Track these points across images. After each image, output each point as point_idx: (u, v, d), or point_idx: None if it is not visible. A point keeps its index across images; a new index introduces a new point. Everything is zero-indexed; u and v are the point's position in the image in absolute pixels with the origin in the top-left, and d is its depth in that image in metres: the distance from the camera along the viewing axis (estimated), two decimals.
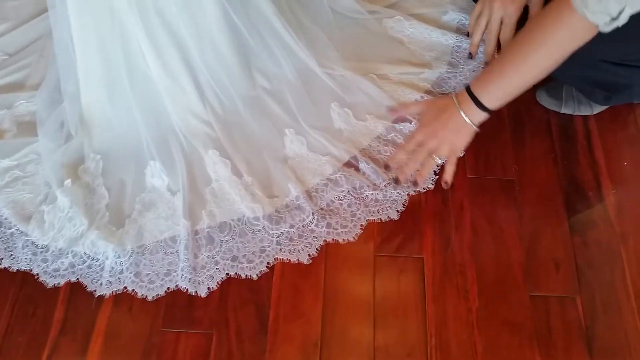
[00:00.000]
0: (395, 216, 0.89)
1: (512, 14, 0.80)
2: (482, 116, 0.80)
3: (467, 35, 1.07)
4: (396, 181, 0.87)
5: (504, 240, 0.88)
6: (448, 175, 0.86)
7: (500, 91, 0.77)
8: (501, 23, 0.92)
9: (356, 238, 0.87)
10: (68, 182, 0.88)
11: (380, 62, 1.03)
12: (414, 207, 0.90)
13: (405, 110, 0.90)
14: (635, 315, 0.81)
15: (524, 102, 1.00)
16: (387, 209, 0.90)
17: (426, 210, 0.90)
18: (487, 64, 0.99)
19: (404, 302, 0.82)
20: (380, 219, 0.89)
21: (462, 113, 0.79)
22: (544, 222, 0.90)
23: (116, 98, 0.92)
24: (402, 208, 0.90)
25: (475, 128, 0.81)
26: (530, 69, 0.75)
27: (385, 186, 0.91)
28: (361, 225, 0.89)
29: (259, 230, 0.88)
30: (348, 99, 1.00)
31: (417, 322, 0.81)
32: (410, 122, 0.97)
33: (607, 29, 0.67)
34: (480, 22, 0.84)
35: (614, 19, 0.65)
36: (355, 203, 0.90)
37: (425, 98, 1.00)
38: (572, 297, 0.83)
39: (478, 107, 0.78)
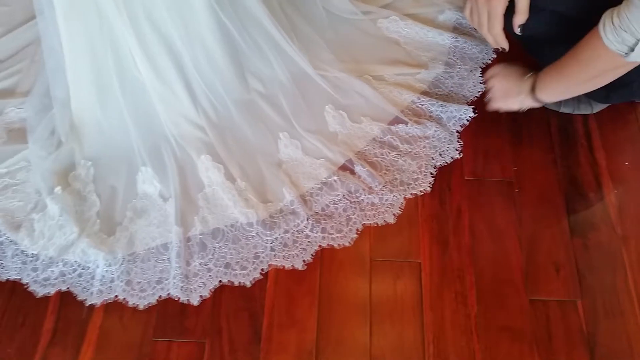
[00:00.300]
0: (391, 220, 0.87)
1: (497, 6, 0.79)
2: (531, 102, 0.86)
3: (465, 34, 1.05)
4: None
5: (503, 244, 0.86)
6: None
7: (551, 94, 0.83)
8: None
9: (352, 243, 0.85)
10: (58, 189, 0.86)
11: (376, 63, 1.01)
12: (411, 211, 0.89)
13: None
14: (638, 319, 0.79)
15: None
16: (383, 213, 0.88)
17: (423, 214, 0.88)
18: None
19: (401, 309, 0.80)
20: (377, 223, 0.87)
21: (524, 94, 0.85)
22: (543, 224, 0.88)
23: (107, 103, 0.90)
24: (398, 212, 0.88)
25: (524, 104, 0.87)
26: (575, 86, 0.79)
27: (381, 190, 0.89)
28: (357, 229, 0.87)
29: (253, 236, 0.86)
30: (343, 101, 0.98)
31: (415, 329, 0.79)
32: (407, 123, 0.96)
33: (630, 59, 0.67)
34: (474, 18, 0.84)
35: (631, 50, 0.65)
36: (351, 207, 0.88)
37: (422, 99, 0.98)
38: (573, 301, 0.81)
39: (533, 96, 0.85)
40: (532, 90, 0.84)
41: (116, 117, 0.91)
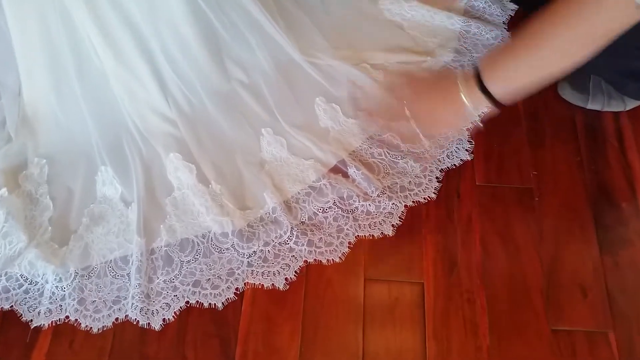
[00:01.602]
0: (390, 232, 0.75)
1: None
2: (483, 104, 0.60)
3: (478, 18, 0.93)
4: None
5: (520, 262, 0.73)
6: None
7: (509, 78, 0.58)
8: None
9: (343, 258, 0.73)
10: (4, 191, 0.75)
11: (375, 49, 0.89)
12: (413, 222, 0.76)
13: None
14: None
15: (543, 96, 0.85)
16: (380, 223, 0.76)
17: (427, 225, 0.76)
18: None
19: (399, 338, 0.68)
20: (372, 235, 0.75)
21: (462, 93, 0.59)
22: (567, 238, 0.75)
23: (64, 93, 0.78)
24: (398, 222, 0.76)
25: (475, 115, 0.61)
26: (549, 54, 0.56)
27: (378, 196, 0.77)
28: (349, 242, 0.75)
29: (227, 249, 0.74)
30: (336, 93, 0.86)
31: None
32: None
33: None
34: None
35: None
36: (343, 216, 0.76)
37: None
38: (604, 332, 0.68)
39: (483, 93, 0.58)
40: (473, 82, 0.58)
41: (74, 109, 0.79)
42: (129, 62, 0.77)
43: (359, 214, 0.76)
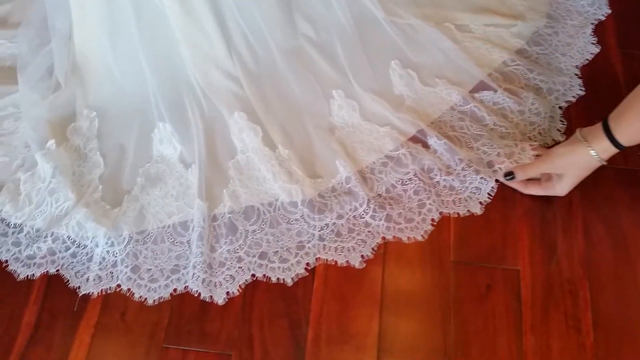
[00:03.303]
0: (478, 210, 0.67)
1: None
2: (609, 151, 0.62)
3: None
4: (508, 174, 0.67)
5: (628, 252, 0.65)
6: (518, 172, 0.66)
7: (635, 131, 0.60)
8: None
9: (425, 237, 0.66)
10: (51, 143, 0.68)
11: (461, 9, 0.80)
12: (506, 201, 0.67)
13: (523, 173, 0.67)
14: None
15: None
16: (467, 200, 0.67)
17: (522, 206, 0.67)
18: None
19: (492, 330, 0.60)
20: (458, 213, 0.67)
21: (592, 152, 0.62)
22: None
23: (120, 40, 0.71)
24: (487, 199, 0.68)
25: (604, 163, 0.63)
26: None
27: (463, 169, 0.69)
28: (432, 219, 0.67)
29: (297, 220, 0.66)
30: (413, 58, 0.77)
31: (511, 357, 0.59)
32: (495, 90, 0.75)
33: None
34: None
35: None
36: (425, 190, 0.68)
37: (517, 62, 0.77)
38: None
39: (612, 144, 0.61)
40: (603, 137, 0.60)
41: (130, 58, 0.71)
42: (195, 11, 0.69)
43: (441, 189, 0.68)
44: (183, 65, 0.73)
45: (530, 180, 0.68)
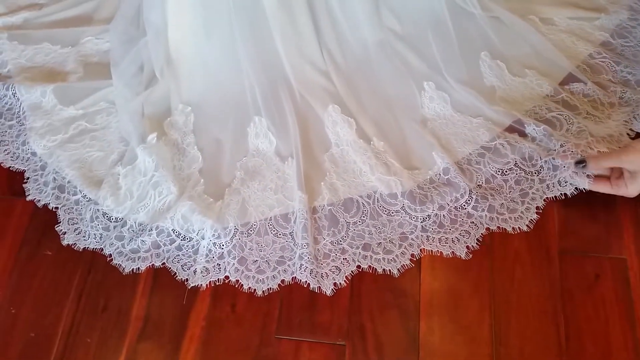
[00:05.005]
0: (586, 185, 0.64)
1: None
2: None
3: None
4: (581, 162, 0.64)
5: None
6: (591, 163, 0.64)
7: None
8: None
9: (531, 227, 0.65)
10: (153, 137, 0.68)
11: (545, 3, 0.80)
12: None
13: (596, 163, 0.65)
14: None
15: None
16: (572, 177, 0.65)
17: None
18: None
19: (604, 319, 0.60)
20: (565, 195, 0.65)
21: None
22: None
23: (214, 32, 0.71)
24: (594, 172, 0.64)
25: None
26: None
27: (561, 145, 0.66)
28: (537, 207, 0.66)
29: (397, 212, 0.66)
30: (502, 49, 0.77)
31: (627, 347, 0.58)
32: (585, 83, 0.75)
33: None
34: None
35: None
36: (527, 179, 0.67)
37: (603, 54, 0.77)
38: None
39: None
40: None
41: (225, 50, 0.71)
42: (291, 5, 0.69)
43: (545, 174, 0.67)
44: (278, 58, 0.73)
45: (598, 176, 0.65)
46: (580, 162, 0.65)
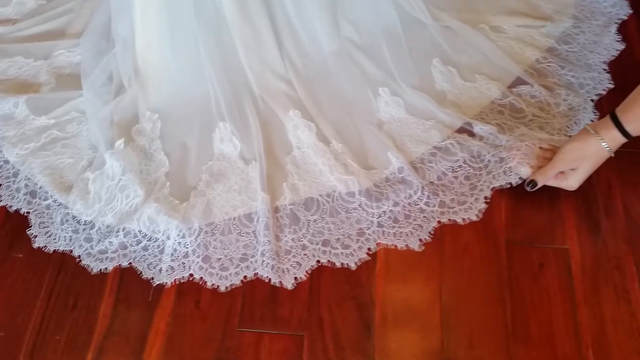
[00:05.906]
0: (528, 172, 0.69)
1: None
2: (618, 140, 0.67)
3: None
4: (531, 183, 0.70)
5: None
6: (539, 178, 0.69)
7: None
8: None
9: (480, 216, 0.69)
10: (120, 143, 0.71)
11: (494, 13, 0.85)
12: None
13: (543, 177, 0.70)
14: None
15: None
16: (517, 167, 0.70)
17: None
18: None
19: (548, 304, 0.64)
20: (510, 184, 0.70)
21: (602, 143, 0.66)
22: None
23: (179, 41, 0.75)
24: (536, 162, 0.69)
25: (612, 155, 0.67)
26: None
27: (507, 141, 0.72)
28: (485, 197, 0.70)
29: (355, 209, 0.70)
30: (454, 56, 0.82)
31: (568, 330, 0.62)
32: (532, 85, 0.80)
33: None
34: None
35: None
36: (475, 174, 0.72)
37: (549, 60, 0.82)
38: None
39: (621, 133, 0.65)
40: (613, 127, 0.65)
41: (190, 59, 0.75)
42: (250, 12, 0.74)
43: (492, 167, 0.72)
44: (240, 66, 0.77)
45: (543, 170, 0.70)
46: (530, 183, 0.70)
